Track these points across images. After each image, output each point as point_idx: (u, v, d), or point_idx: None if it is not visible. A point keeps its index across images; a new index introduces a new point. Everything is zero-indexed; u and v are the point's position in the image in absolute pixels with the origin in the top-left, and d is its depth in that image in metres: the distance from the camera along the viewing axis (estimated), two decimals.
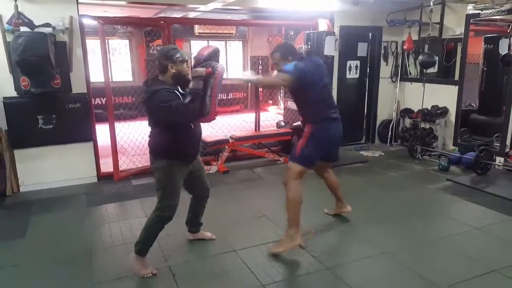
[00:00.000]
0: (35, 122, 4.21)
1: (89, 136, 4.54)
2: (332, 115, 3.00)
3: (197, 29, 9.92)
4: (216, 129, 5.72)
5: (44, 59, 3.78)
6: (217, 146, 5.20)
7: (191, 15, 6.76)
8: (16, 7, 3.92)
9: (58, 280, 2.63)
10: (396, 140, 6.43)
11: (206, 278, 2.64)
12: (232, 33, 10.58)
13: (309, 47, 5.22)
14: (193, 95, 2.37)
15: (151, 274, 2.60)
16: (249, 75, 2.95)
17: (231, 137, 5.30)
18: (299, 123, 5.61)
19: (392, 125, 6.35)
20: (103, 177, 4.71)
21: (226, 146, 5.18)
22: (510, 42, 5.21)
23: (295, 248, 2.84)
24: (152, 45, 9.53)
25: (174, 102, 2.33)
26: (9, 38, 3.89)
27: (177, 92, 2.42)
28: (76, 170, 4.55)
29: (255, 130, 6.01)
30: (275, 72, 3.02)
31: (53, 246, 3.11)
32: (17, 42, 3.68)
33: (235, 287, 2.53)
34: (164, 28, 4.92)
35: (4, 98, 4.07)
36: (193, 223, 3.07)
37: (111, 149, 4.63)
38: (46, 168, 4.41)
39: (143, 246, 2.61)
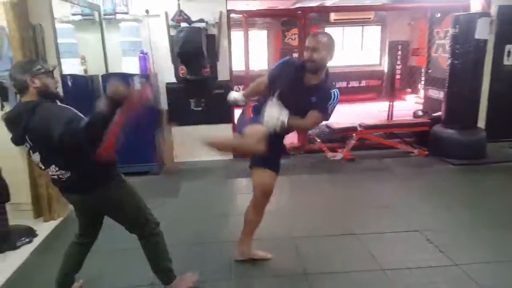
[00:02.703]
0: (188, 104, 4.98)
1: (229, 119, 5.14)
2: None
3: (333, 16, 9.90)
4: (346, 116, 5.75)
5: (198, 50, 4.43)
6: (344, 134, 5.25)
7: (328, 3, 6.84)
8: (179, 5, 4.67)
9: (198, 234, 3.13)
10: None
11: (326, 254, 2.81)
12: (370, 18, 10.21)
13: (457, 31, 4.77)
14: (95, 116, 1.69)
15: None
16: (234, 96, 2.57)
17: (359, 125, 5.27)
18: (439, 113, 5.23)
19: None
20: (238, 155, 5.28)
21: (353, 134, 5.19)
22: None
23: None
24: (288, 34, 9.93)
25: (72, 116, 1.80)
26: (172, 33, 4.68)
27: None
28: None
29: (388, 119, 5.81)
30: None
31: (198, 206, 3.74)
32: (179, 36, 4.40)
33: (354, 266, 2.63)
34: (301, 18, 5.16)
35: (167, 83, 4.93)
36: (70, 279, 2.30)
37: None
38: (194, 144, 5.15)
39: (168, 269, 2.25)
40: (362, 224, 3.21)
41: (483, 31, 4.60)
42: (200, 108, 4.99)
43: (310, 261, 2.70)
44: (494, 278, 2.45)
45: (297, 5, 6.60)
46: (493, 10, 5.05)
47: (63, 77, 3.63)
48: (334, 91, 2.25)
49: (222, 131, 5.15)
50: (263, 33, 10.34)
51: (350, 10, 8.74)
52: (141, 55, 4.48)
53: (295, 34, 9.06)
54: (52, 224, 3.36)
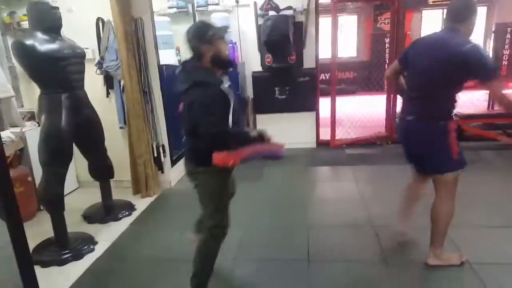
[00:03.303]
0: (272, 93, 5.09)
1: (314, 107, 5.13)
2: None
3: None
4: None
5: (285, 38, 4.50)
6: None
7: None
8: None
9: (281, 218, 3.25)
10: None
11: (408, 245, 2.71)
12: None
13: None
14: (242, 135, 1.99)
15: None
16: None
17: (455, 115, 4.85)
18: None
19: None
20: (321, 144, 5.27)
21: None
22: None
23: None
24: (380, 18, 9.46)
25: (213, 118, 1.85)
26: (260, 22, 4.80)
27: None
28: (301, 135, 5.26)
29: (488, 108, 5.26)
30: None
31: (281, 192, 3.85)
32: (266, 24, 4.51)
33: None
34: (394, 1, 4.90)
35: (253, 72, 5.10)
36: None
37: (330, 120, 5.10)
38: (278, 131, 5.18)
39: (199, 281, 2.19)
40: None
41: None
42: (284, 96, 5.07)
43: (389, 249, 2.66)
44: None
45: None
46: None
47: (160, 67, 3.96)
48: (467, 48, 2.00)
49: (306, 120, 5.18)
50: (353, 18, 9.99)
51: None
52: (230, 44, 4.70)
53: (387, 18, 8.60)
54: (148, 200, 3.71)
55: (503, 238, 2.73)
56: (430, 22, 9.46)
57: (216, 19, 4.82)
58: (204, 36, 1.90)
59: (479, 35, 9.46)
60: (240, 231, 2.97)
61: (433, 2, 9.18)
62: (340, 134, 5.29)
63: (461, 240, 2.68)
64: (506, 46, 8.72)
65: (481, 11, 9.46)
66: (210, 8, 4.96)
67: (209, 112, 1.83)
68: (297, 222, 3.12)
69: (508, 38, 8.71)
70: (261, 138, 1.97)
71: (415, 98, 2.28)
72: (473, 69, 2.03)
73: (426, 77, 2.19)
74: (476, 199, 3.34)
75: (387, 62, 7.30)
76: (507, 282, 2.26)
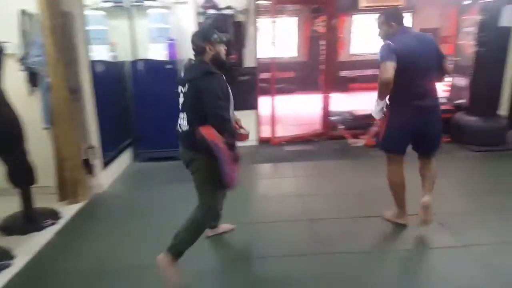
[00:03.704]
0: None
1: (254, 105, 5.24)
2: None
3: (362, 2, 9.73)
4: (368, 103, 5.74)
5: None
6: (367, 120, 5.25)
7: None
8: None
9: (223, 216, 3.24)
10: None
11: (342, 237, 2.90)
12: (400, 5, 9.97)
13: (483, 18, 4.68)
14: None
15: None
16: (373, 107, 2.72)
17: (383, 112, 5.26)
18: (462, 100, 5.17)
19: None
20: (262, 141, 5.39)
21: (376, 121, 5.18)
22: None
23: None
24: (316, 21, 9.85)
25: (222, 103, 2.18)
26: (200, 20, 4.78)
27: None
28: None
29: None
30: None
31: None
32: (206, 23, 4.51)
33: (368, 247, 2.73)
34: (329, 5, 5.16)
35: None
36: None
37: (271, 118, 5.24)
38: None
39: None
40: (377, 207, 3.27)
41: (509, 19, 4.50)
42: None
43: (322, 242, 2.81)
44: (497, 258, 2.51)
45: None
46: None
47: (92, 63, 3.79)
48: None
49: (247, 118, 5.24)
50: (293, 20, 10.31)
51: None
52: (169, 41, 4.63)
53: (323, 21, 8.99)
54: (76, 207, 3.45)
55: None
56: (360, 26, 10.06)
57: (153, 16, 4.71)
58: (209, 37, 2.25)
59: None
60: None
61: (364, 7, 9.78)
62: (280, 132, 5.46)
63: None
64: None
65: (407, 17, 10.25)
66: (147, 3, 4.82)
67: (219, 97, 2.15)
68: (240, 219, 3.17)
69: None
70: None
71: (421, 86, 2.62)
72: (442, 55, 2.67)
73: (431, 67, 2.64)
74: None
75: (322, 63, 7.62)
76: None
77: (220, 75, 2.24)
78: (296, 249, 2.74)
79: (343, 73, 9.61)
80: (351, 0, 9.36)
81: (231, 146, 2.25)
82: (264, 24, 7.39)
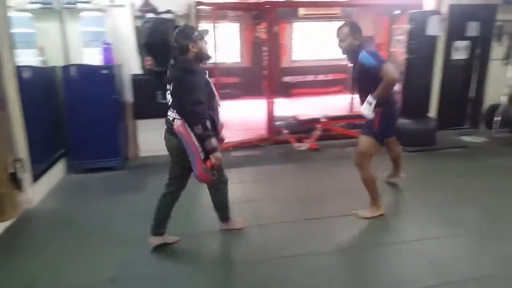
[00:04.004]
0: (154, 97, 4.92)
1: None
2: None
3: (301, 11, 10.04)
4: (311, 108, 5.91)
5: (165, 41, 4.36)
6: (310, 125, 5.39)
7: None
8: None
9: (171, 227, 3.14)
10: (504, 126, 5.78)
11: (291, 238, 2.93)
12: (337, 14, 10.44)
13: (412, 27, 5.02)
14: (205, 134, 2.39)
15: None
16: (367, 108, 2.87)
17: (323, 116, 5.44)
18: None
19: (500, 111, 5.72)
20: None
21: (318, 125, 5.34)
22: None
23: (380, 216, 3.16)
24: (258, 28, 9.98)
25: (203, 97, 2.38)
26: (138, 23, 4.60)
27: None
28: None
29: (350, 110, 6.01)
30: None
31: None
32: (145, 27, 4.34)
33: (315, 248, 2.76)
34: (270, 12, 5.22)
35: (132, 75, 4.85)
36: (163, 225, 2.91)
37: None
38: (161, 137, 5.08)
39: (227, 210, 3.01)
40: (324, 208, 3.35)
41: (435, 28, 4.88)
42: (166, 101, 4.92)
43: (272, 245, 2.81)
44: (437, 252, 2.67)
45: None
46: (444, 9, 5.34)
47: (18, 68, 3.49)
48: (360, 55, 2.82)
49: None
50: (234, 26, 10.34)
51: (316, 6, 8.88)
52: (105, 45, 4.40)
53: (265, 27, 9.11)
54: (3, 225, 3.14)
55: (364, 224, 3.14)
56: (300, 33, 10.36)
57: (87, 19, 4.45)
58: (190, 36, 2.44)
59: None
60: (125, 247, 2.80)
61: (303, 15, 10.10)
62: (226, 138, 5.39)
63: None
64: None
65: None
66: (80, 5, 4.54)
67: (191, 92, 2.35)
68: (185, 230, 3.07)
69: None
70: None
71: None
72: None
73: None
74: (339, 191, 3.79)
75: (266, 68, 7.72)
76: None
77: (202, 71, 2.47)
78: (249, 256, 2.70)
79: (286, 79, 9.83)
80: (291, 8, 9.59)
81: (205, 140, 2.39)
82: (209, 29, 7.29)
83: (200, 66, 2.51)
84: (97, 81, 4.31)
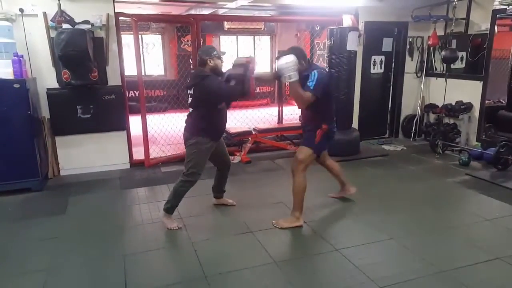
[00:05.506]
0: (74, 112, 4.59)
1: (123, 126, 4.89)
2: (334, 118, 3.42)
3: (226, 24, 10.19)
4: (240, 121, 5.96)
5: (83, 53, 4.13)
6: (241, 138, 5.44)
7: (221, 11, 7.02)
8: (59, 5, 4.31)
9: (94, 251, 2.95)
10: (420, 135, 6.46)
11: (225, 253, 2.90)
12: (261, 28, 10.79)
13: (332, 43, 5.34)
14: (237, 79, 3.07)
15: (177, 228, 3.25)
16: (287, 65, 2.92)
17: (254, 129, 5.53)
18: None
19: (416, 120, 6.37)
20: (135, 164, 5.07)
21: (250, 138, 5.42)
22: None
23: (299, 227, 3.26)
24: (183, 40, 9.89)
25: (223, 84, 3.09)
26: (53, 34, 4.28)
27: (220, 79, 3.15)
28: (111, 157, 4.93)
29: (278, 123, 6.20)
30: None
31: (89, 222, 3.47)
32: (60, 38, 4.04)
33: (250, 262, 2.75)
34: (193, 25, 5.20)
35: (47, 89, 4.48)
36: (218, 190, 3.75)
37: (142, 138, 4.97)
38: (83, 154, 4.81)
39: (170, 206, 3.28)
40: (258, 221, 3.37)
41: (353, 43, 5.25)
42: (88, 116, 4.64)
43: (209, 263, 2.75)
44: (366, 257, 2.81)
45: (190, 12, 6.62)
46: (361, 25, 5.81)
47: None
48: (311, 72, 3.04)
49: (116, 139, 4.88)
50: (157, 38, 10.13)
51: (240, 20, 9.07)
52: (15, 58, 4.01)
53: (189, 40, 9.06)
54: None
55: (296, 234, 3.23)
56: (226, 46, 10.49)
57: None
58: (210, 53, 3.13)
59: (267, 60, 11.10)
60: (43, 275, 2.54)
61: (228, 28, 10.26)
62: (155, 153, 5.22)
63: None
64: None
65: (266, 40, 11.17)
66: None
67: (219, 86, 3.08)
68: (110, 252, 2.89)
69: None
70: (243, 64, 3.15)
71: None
72: None
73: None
74: (271, 202, 3.88)
75: None
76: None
77: (215, 76, 3.10)
78: (184, 276, 2.62)
79: None
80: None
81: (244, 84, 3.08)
82: (129, 40, 7.08)
83: (214, 75, 3.10)
84: (8, 96, 3.91)
